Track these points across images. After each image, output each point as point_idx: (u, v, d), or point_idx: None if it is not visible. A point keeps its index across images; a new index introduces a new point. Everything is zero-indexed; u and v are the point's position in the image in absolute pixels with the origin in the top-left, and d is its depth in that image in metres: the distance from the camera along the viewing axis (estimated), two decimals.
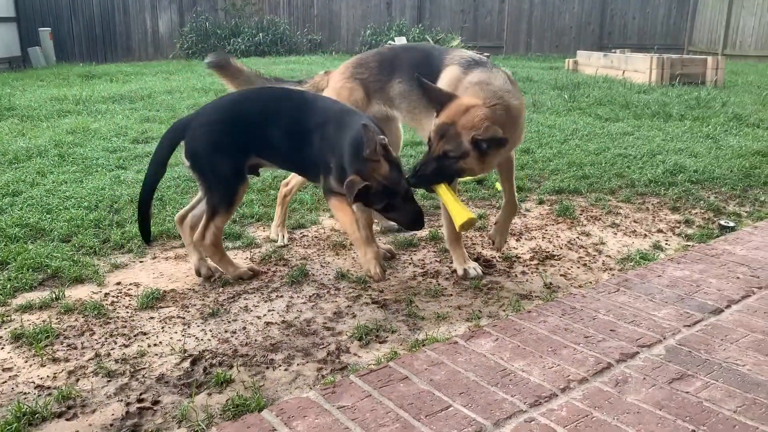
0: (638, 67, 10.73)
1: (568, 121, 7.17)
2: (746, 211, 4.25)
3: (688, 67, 10.47)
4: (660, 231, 3.92)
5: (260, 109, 2.94)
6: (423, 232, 3.78)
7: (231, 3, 15.75)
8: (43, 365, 2.40)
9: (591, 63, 12.19)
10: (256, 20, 15.66)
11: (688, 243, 3.71)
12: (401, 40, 12.54)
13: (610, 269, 3.35)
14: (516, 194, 3.39)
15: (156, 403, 2.18)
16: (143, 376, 2.34)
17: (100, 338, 2.61)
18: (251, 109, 2.96)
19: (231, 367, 2.39)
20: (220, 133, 2.91)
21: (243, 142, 2.93)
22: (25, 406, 2.10)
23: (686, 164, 5.17)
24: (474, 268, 3.23)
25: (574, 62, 12.67)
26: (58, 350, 2.51)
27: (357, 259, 3.04)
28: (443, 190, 2.88)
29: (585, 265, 3.41)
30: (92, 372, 2.36)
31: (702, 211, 4.26)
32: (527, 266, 3.39)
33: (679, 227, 3.98)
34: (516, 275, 3.27)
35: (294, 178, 3.74)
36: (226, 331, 2.67)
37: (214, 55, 3.61)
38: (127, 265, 3.35)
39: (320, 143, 2.85)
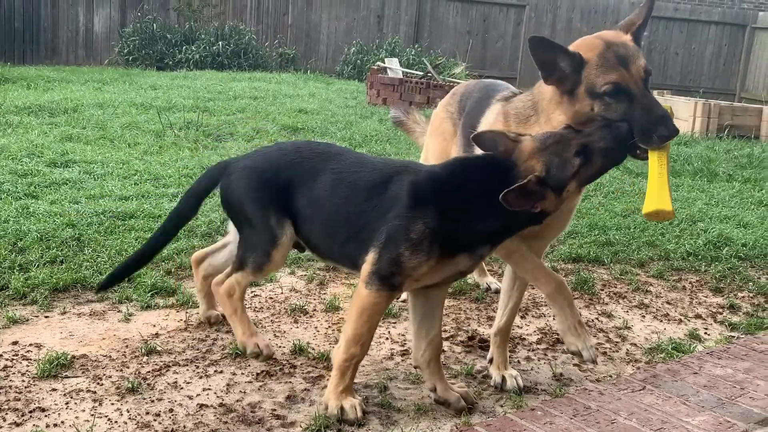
0: (679, 114, 10.98)
1: None
2: None
3: (740, 117, 10.76)
4: (698, 316, 3.95)
5: (305, 167, 2.98)
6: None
7: (186, 2, 15.97)
8: None
9: None
10: (215, 26, 15.85)
11: (733, 334, 3.75)
12: (393, 63, 12.76)
13: (636, 361, 3.36)
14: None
15: None
16: None
17: None
18: (294, 164, 3.00)
19: None
20: (259, 182, 2.99)
21: (281, 200, 2.97)
22: None
23: (733, 236, 5.26)
24: (515, 378, 3.04)
25: None
26: None
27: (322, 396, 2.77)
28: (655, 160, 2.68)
29: (604, 353, 3.42)
30: None
31: (750, 294, 4.31)
32: (533, 351, 3.39)
33: (721, 313, 4.02)
34: (519, 361, 3.26)
35: None
36: (147, 413, 2.62)
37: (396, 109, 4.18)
38: (28, 321, 3.30)
39: (380, 201, 2.78)
